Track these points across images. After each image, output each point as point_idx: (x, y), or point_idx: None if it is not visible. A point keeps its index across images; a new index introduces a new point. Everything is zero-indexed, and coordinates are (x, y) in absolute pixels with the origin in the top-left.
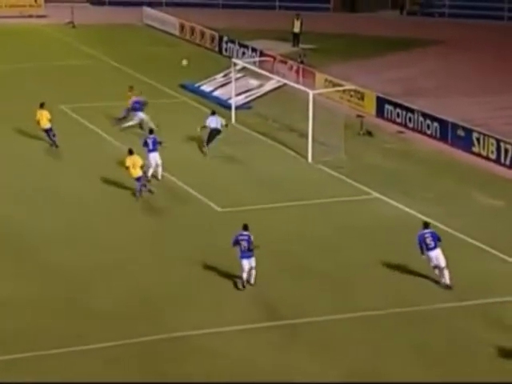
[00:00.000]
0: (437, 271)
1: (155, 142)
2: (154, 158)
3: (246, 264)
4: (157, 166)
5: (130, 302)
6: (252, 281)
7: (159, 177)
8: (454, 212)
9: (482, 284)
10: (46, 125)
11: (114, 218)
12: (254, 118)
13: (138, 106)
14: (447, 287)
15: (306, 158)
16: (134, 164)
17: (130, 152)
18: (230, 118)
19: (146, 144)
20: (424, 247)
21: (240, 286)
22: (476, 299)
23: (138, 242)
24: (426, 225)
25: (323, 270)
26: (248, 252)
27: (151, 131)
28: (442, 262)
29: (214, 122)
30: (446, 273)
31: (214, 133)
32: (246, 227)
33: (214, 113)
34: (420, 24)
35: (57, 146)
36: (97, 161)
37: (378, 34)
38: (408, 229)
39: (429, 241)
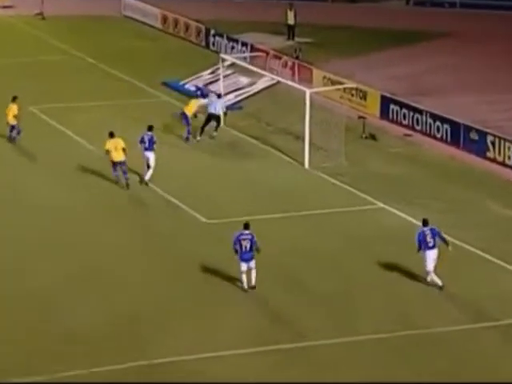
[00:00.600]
0: (433, 275)
1: (152, 141)
2: (148, 157)
3: (244, 266)
4: (148, 167)
5: (111, 321)
6: (253, 282)
7: (146, 178)
8: (466, 223)
9: (498, 304)
10: (10, 121)
11: (90, 228)
12: (244, 120)
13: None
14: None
15: (302, 163)
16: (116, 146)
17: (111, 135)
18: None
19: (142, 141)
20: (423, 245)
21: (245, 287)
22: (493, 320)
23: (116, 254)
24: (426, 222)
25: (322, 286)
26: (248, 253)
27: (150, 128)
28: (433, 265)
29: (213, 106)
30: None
31: (212, 119)
32: (247, 226)
33: (219, 96)
34: (428, 15)
35: (13, 142)
36: (71, 166)
37: (381, 26)
38: (415, 242)
39: (429, 238)
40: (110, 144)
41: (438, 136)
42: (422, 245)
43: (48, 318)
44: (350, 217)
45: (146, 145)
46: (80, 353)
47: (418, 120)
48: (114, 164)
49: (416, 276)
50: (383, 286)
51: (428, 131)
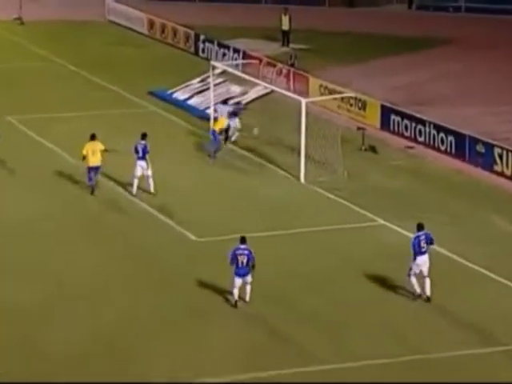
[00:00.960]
0: (414, 280)
1: (145, 150)
2: (142, 166)
3: (239, 281)
4: (147, 177)
5: (93, 344)
6: (247, 298)
7: (151, 189)
8: (471, 240)
9: (503, 325)
10: None
11: (72, 245)
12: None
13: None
14: (428, 300)
15: (297, 177)
16: (94, 149)
17: (92, 137)
18: (207, 131)
19: (136, 150)
20: (417, 251)
21: (233, 303)
22: (500, 345)
23: (98, 272)
24: (421, 226)
25: (319, 309)
26: (245, 268)
27: (143, 136)
28: (426, 270)
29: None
30: (428, 282)
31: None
32: (243, 240)
33: (225, 102)
34: (431, 20)
35: None
36: (51, 179)
37: (381, 31)
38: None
39: (422, 243)
40: (88, 147)
41: (442, 148)
42: (416, 251)
43: (26, 338)
44: (348, 234)
45: (140, 154)
46: (60, 373)
47: (420, 131)
48: (90, 169)
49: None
50: (382, 306)
51: (431, 143)
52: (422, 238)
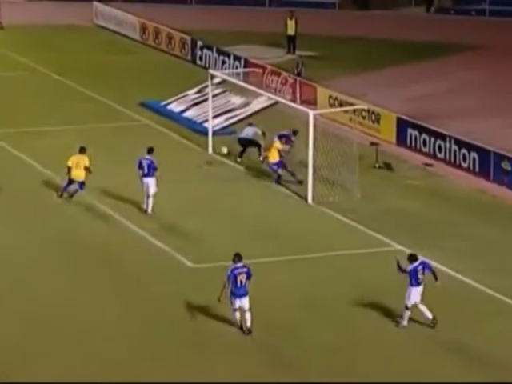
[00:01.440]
0: (408, 313)
1: (152, 166)
2: (147, 184)
3: (238, 303)
4: (147, 195)
5: (82, 376)
6: (249, 324)
7: (149, 209)
8: (498, 269)
9: None
10: None
11: (56, 274)
12: (236, 147)
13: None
14: (433, 321)
15: (305, 198)
16: (78, 163)
17: (81, 150)
18: (205, 147)
19: (140, 166)
20: (413, 281)
21: (238, 326)
22: None
23: (86, 302)
24: (414, 257)
25: (330, 342)
26: (244, 288)
27: (149, 150)
28: (419, 298)
29: (243, 132)
30: (424, 307)
31: (244, 143)
32: (240, 257)
33: (250, 124)
34: (452, 24)
35: None
36: (33, 200)
37: (397, 36)
38: (438, 290)
39: (419, 274)
40: (74, 159)
41: (465, 166)
42: (412, 280)
43: (11, 373)
44: (361, 260)
45: (145, 171)
46: None
47: (440, 147)
48: (70, 182)
49: (441, 328)
50: (399, 339)
51: (452, 160)
52: (420, 268)
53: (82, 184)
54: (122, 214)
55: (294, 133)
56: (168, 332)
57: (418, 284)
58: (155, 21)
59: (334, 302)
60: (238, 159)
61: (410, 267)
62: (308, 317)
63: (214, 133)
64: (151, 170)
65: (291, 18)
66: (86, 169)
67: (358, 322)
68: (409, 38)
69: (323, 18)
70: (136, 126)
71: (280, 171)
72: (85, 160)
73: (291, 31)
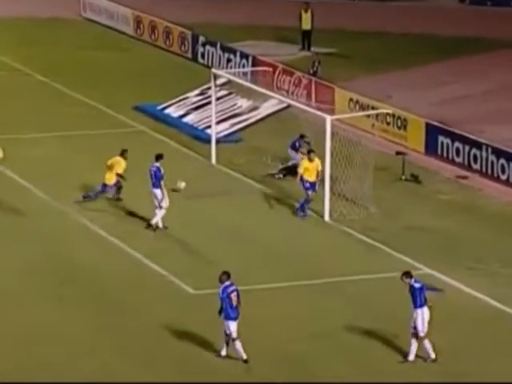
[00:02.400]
0: (414, 341)
1: (158, 175)
2: (154, 196)
3: (233, 325)
4: (155, 206)
5: None
6: (244, 355)
7: (153, 221)
8: None
9: None
10: None
11: (43, 304)
12: (243, 156)
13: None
14: (434, 360)
15: (321, 215)
16: (112, 165)
17: (122, 153)
18: (208, 156)
19: (150, 175)
20: (423, 303)
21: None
22: None
23: (74, 340)
24: (409, 273)
25: (346, 378)
26: (237, 310)
27: (158, 157)
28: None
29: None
30: (428, 343)
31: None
32: (227, 275)
33: (302, 137)
34: (489, 17)
35: None
36: (11, 219)
37: (425, 31)
38: (472, 319)
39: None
40: (113, 161)
41: (503, 178)
42: (422, 302)
43: None
44: (384, 286)
45: (153, 180)
46: None
47: (475, 157)
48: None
49: (471, 362)
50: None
51: (489, 172)
52: (423, 289)
53: (105, 186)
54: (112, 232)
55: (302, 137)
56: (164, 366)
57: (426, 303)
58: (151, 13)
59: (352, 331)
60: (279, 175)
61: (417, 285)
62: (321, 347)
63: (218, 140)
64: (157, 179)
65: (306, 11)
66: (118, 175)
67: (376, 355)
68: (439, 32)
69: (342, 10)
70: (130, 133)
71: (310, 193)
72: (120, 165)
73: (306, 25)
